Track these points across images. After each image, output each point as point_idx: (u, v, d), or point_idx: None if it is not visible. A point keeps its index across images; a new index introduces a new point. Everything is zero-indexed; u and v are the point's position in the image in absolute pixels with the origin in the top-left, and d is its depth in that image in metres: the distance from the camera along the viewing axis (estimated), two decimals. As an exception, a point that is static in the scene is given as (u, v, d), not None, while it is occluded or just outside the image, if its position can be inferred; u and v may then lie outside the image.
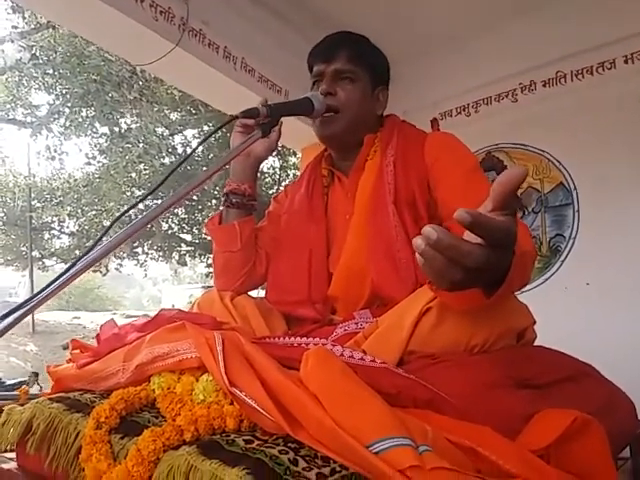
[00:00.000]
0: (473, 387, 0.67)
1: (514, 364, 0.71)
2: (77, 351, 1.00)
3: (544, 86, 2.50)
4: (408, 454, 0.49)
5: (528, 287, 2.44)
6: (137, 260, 10.01)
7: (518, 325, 0.81)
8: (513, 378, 0.69)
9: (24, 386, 1.11)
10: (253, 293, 1.27)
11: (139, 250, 9.79)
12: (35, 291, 0.64)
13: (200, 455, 0.57)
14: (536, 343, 0.87)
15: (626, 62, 2.26)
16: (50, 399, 0.84)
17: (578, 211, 2.37)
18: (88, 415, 0.73)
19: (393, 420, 0.54)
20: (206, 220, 1.30)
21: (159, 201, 0.81)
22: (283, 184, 8.54)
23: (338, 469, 0.54)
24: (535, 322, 0.84)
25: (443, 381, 0.69)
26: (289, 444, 0.58)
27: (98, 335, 0.99)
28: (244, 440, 0.60)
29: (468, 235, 0.57)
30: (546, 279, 2.36)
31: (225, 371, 0.67)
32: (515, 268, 0.63)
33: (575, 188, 2.39)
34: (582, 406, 0.63)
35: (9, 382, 5.52)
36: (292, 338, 0.89)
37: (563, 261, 2.37)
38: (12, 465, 0.88)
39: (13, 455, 0.89)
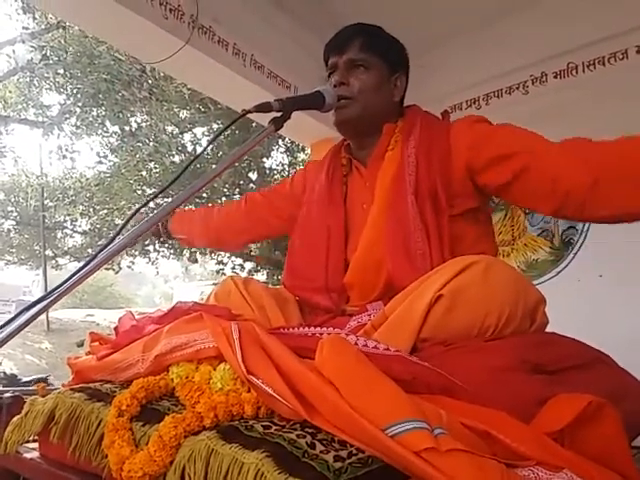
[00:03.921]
0: (488, 372, 0.68)
1: (528, 350, 0.72)
2: (96, 343, 1.02)
3: (555, 77, 2.48)
4: (424, 436, 0.50)
5: (541, 279, 2.40)
6: (148, 258, 10.06)
7: (528, 300, 0.81)
8: (527, 363, 0.70)
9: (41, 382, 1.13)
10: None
11: (150, 248, 9.83)
12: (49, 289, 0.65)
13: (220, 440, 0.59)
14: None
15: (638, 52, 2.23)
16: (72, 389, 0.86)
17: (591, 203, 2.35)
18: (109, 404, 0.75)
19: (408, 403, 0.55)
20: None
21: (170, 199, 0.82)
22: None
23: (355, 452, 0.55)
24: (545, 301, 0.84)
25: (458, 367, 0.70)
26: (306, 429, 0.60)
27: (116, 328, 1.01)
28: (262, 426, 0.62)
29: None
30: (559, 272, 2.35)
31: (242, 359, 0.68)
32: None
33: (587, 180, 2.37)
34: (596, 392, 0.63)
35: (25, 379, 5.62)
36: (307, 328, 0.91)
37: (576, 254, 2.35)
38: (34, 454, 0.90)
39: (35, 445, 0.91)
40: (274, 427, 0.61)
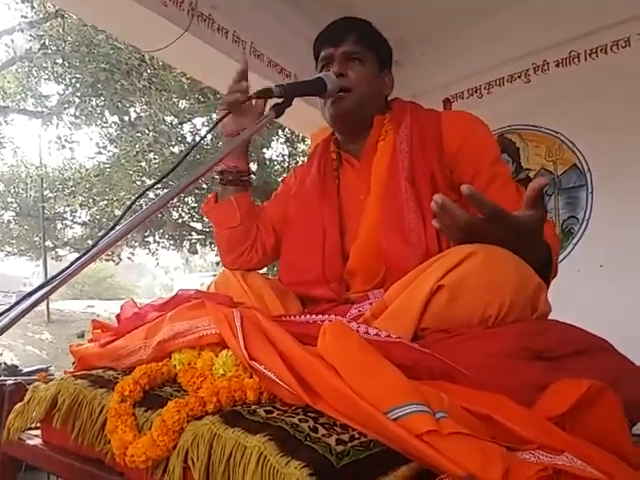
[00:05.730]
0: (489, 359, 0.68)
1: (529, 336, 0.72)
2: (98, 331, 1.03)
3: (557, 66, 2.46)
4: (425, 420, 0.51)
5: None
6: (149, 249, 10.08)
7: (528, 288, 0.81)
8: (528, 350, 0.70)
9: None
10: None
11: (150, 239, 9.85)
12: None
13: (223, 424, 0.59)
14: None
15: (641, 40, 2.22)
16: (74, 376, 0.86)
17: (592, 193, 2.35)
18: (112, 390, 0.76)
19: (410, 387, 0.55)
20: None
21: (168, 189, 0.82)
22: (292, 171, 8.53)
23: (357, 436, 0.56)
24: (546, 287, 0.85)
25: (459, 354, 0.70)
26: (308, 413, 0.60)
27: (118, 315, 1.01)
28: (265, 410, 0.62)
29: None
30: (559, 261, 2.34)
31: (244, 345, 0.68)
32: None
33: (589, 170, 2.36)
34: (596, 377, 0.63)
35: (26, 370, 5.65)
36: (308, 316, 0.91)
37: (576, 243, 2.35)
38: (37, 441, 0.91)
39: (38, 432, 0.92)
40: (276, 412, 0.62)
